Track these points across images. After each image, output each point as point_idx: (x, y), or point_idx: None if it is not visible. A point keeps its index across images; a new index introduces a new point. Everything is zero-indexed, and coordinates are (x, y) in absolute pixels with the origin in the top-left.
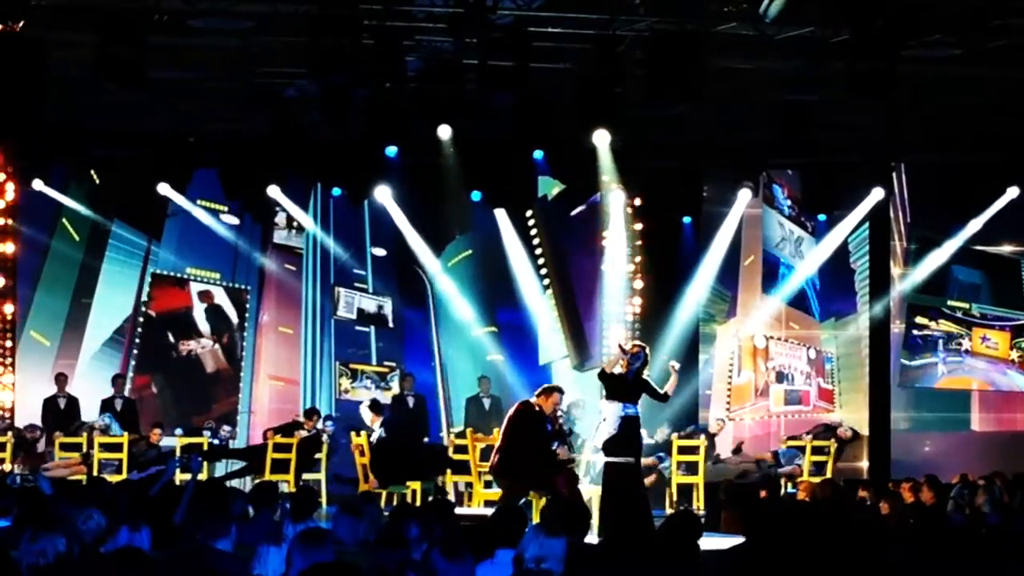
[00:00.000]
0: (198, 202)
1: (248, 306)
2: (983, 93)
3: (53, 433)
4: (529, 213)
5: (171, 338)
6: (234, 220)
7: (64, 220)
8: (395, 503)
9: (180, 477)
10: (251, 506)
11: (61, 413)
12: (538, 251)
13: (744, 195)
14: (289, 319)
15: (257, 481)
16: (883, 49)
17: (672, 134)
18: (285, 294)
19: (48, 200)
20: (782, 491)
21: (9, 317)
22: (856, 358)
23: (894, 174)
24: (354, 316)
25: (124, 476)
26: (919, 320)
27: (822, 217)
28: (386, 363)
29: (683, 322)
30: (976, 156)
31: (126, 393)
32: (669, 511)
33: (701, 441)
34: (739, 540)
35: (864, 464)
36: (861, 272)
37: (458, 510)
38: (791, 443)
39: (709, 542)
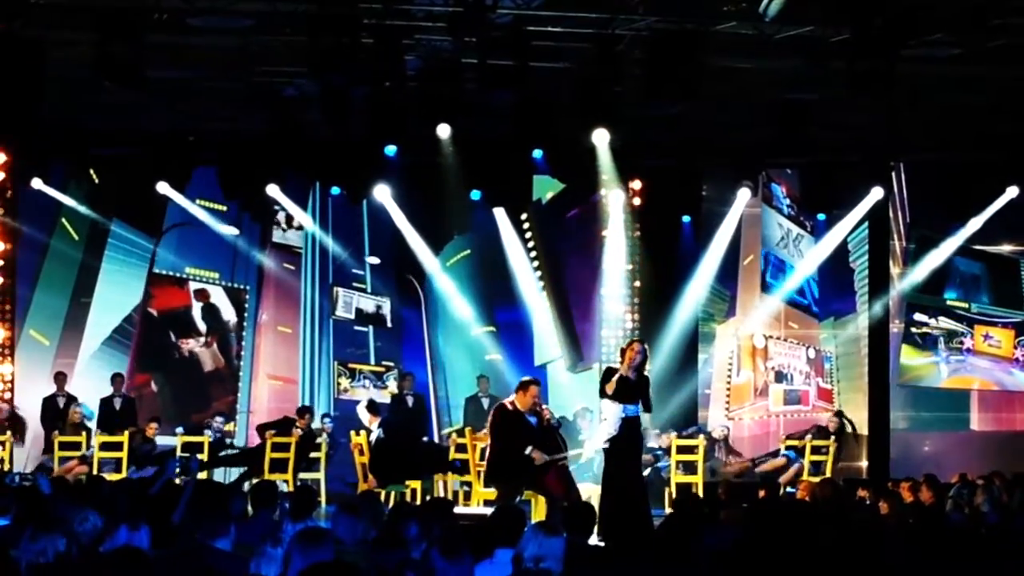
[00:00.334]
0: (197, 202)
1: (247, 305)
2: (982, 92)
3: (52, 432)
4: (524, 216)
5: (172, 337)
6: (233, 231)
7: (63, 219)
8: (392, 503)
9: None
10: (250, 505)
11: (60, 412)
12: (533, 253)
13: (743, 194)
14: (288, 318)
15: (256, 480)
16: (883, 48)
17: (671, 133)
18: (284, 293)
19: (47, 199)
20: (781, 491)
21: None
22: (855, 357)
23: (893, 173)
24: (352, 316)
25: (123, 474)
26: (918, 317)
27: (821, 216)
28: (384, 363)
29: (682, 321)
30: (975, 155)
31: (125, 391)
32: (668, 511)
33: (700, 441)
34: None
35: (863, 464)
36: (860, 271)
37: (457, 509)
38: (790, 442)
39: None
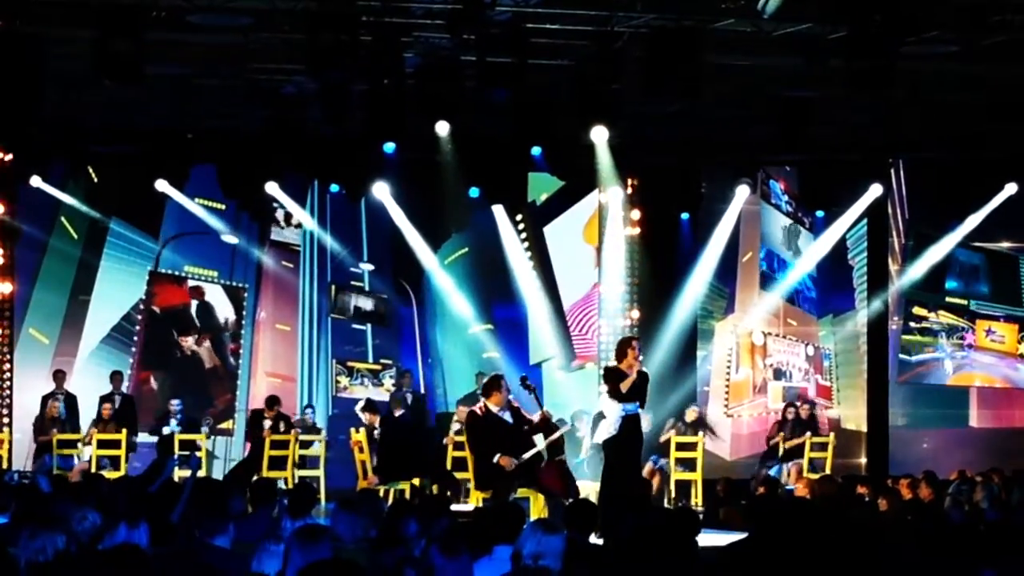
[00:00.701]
0: (196, 200)
1: (245, 303)
2: (981, 90)
3: (51, 431)
4: (519, 217)
5: (174, 335)
6: (232, 240)
7: (62, 217)
8: (390, 500)
9: (179, 474)
10: (249, 503)
11: (61, 420)
12: (528, 254)
13: (742, 191)
14: (286, 316)
15: (256, 478)
16: (881, 46)
17: (670, 131)
18: (282, 291)
19: (46, 197)
20: (780, 488)
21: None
22: (854, 354)
23: (892, 170)
24: (351, 314)
25: (122, 472)
26: (917, 311)
27: (820, 213)
28: (382, 360)
29: (681, 318)
30: (974, 153)
31: (124, 390)
32: (668, 507)
33: (699, 438)
34: (737, 536)
35: (862, 461)
36: (859, 268)
37: (456, 507)
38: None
39: (707, 538)
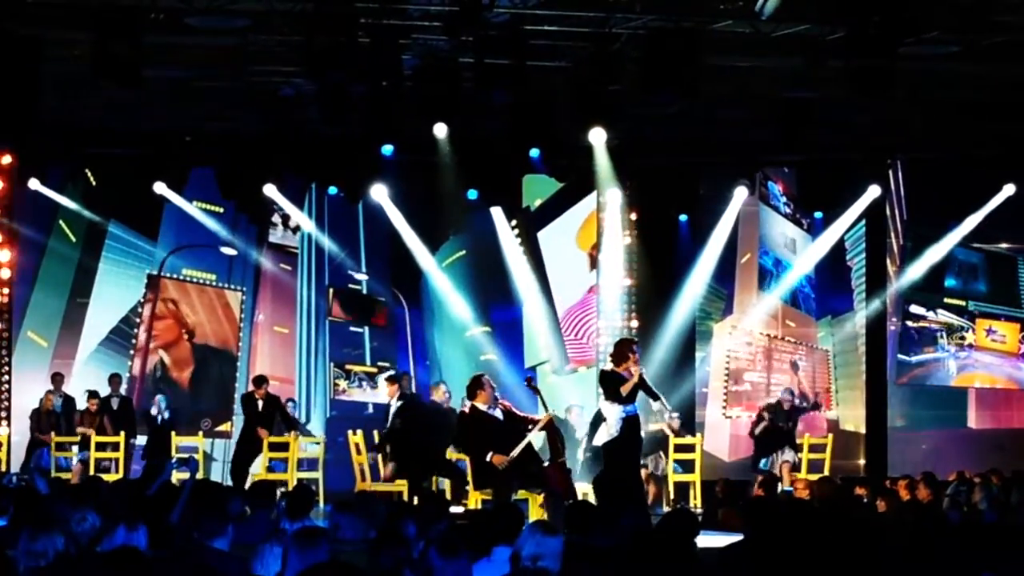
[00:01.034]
0: (194, 203)
1: (244, 306)
2: (980, 90)
3: (48, 433)
4: (514, 223)
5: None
6: (231, 252)
7: (61, 220)
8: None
9: (177, 476)
10: (248, 505)
11: (57, 413)
12: (523, 259)
13: (740, 193)
14: (284, 318)
15: (254, 480)
16: (880, 46)
17: (668, 132)
18: (280, 294)
19: (45, 200)
20: (778, 489)
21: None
22: (853, 356)
23: (890, 171)
24: (349, 316)
25: (121, 475)
26: (915, 311)
27: (818, 215)
28: (380, 363)
29: (680, 320)
30: (973, 153)
31: (122, 392)
32: (666, 509)
33: (698, 439)
34: (736, 538)
35: (861, 462)
36: (857, 270)
37: (455, 508)
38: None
39: (706, 540)
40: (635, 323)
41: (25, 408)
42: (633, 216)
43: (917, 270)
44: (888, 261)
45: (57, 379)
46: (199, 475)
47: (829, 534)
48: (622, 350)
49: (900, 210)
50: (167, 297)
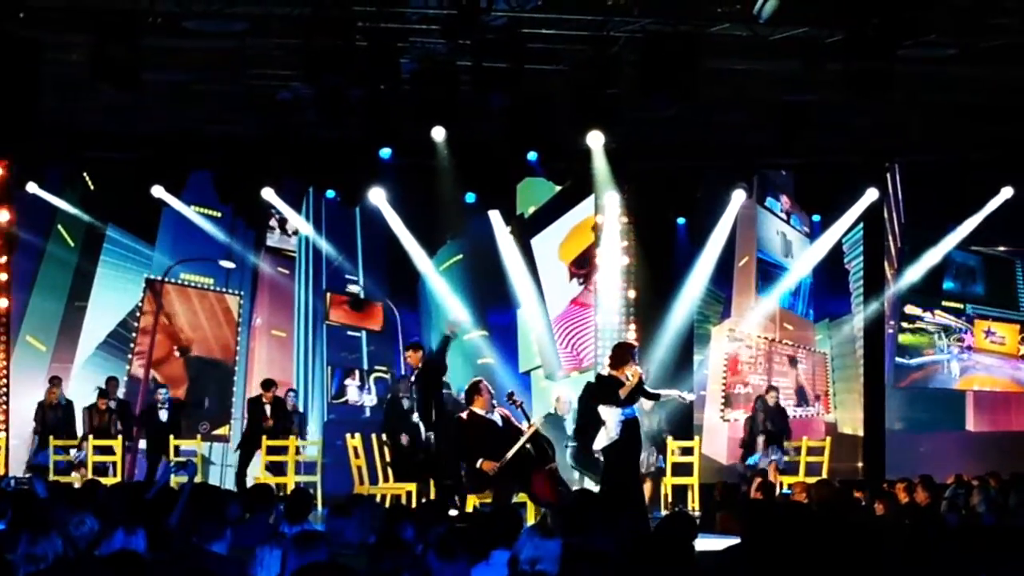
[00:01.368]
0: (192, 207)
1: (242, 309)
2: (978, 93)
3: (47, 437)
4: (509, 230)
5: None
6: (230, 265)
7: (59, 224)
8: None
9: (175, 480)
10: (246, 509)
11: (62, 407)
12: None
13: (738, 196)
14: (282, 322)
15: (253, 484)
16: (878, 49)
17: (666, 135)
18: (278, 297)
19: (43, 203)
20: (777, 492)
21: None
22: (851, 359)
23: (888, 174)
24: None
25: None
26: (911, 311)
27: (816, 218)
28: (377, 367)
29: (678, 323)
30: (971, 156)
31: (120, 395)
32: (664, 512)
33: (696, 442)
34: (734, 541)
35: (859, 465)
36: (855, 273)
37: (452, 511)
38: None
39: (704, 543)
40: (633, 326)
41: (23, 412)
42: (631, 219)
43: (915, 273)
44: (886, 264)
45: (55, 382)
46: (197, 479)
47: (827, 537)
48: (622, 354)
49: (898, 213)
50: (165, 311)
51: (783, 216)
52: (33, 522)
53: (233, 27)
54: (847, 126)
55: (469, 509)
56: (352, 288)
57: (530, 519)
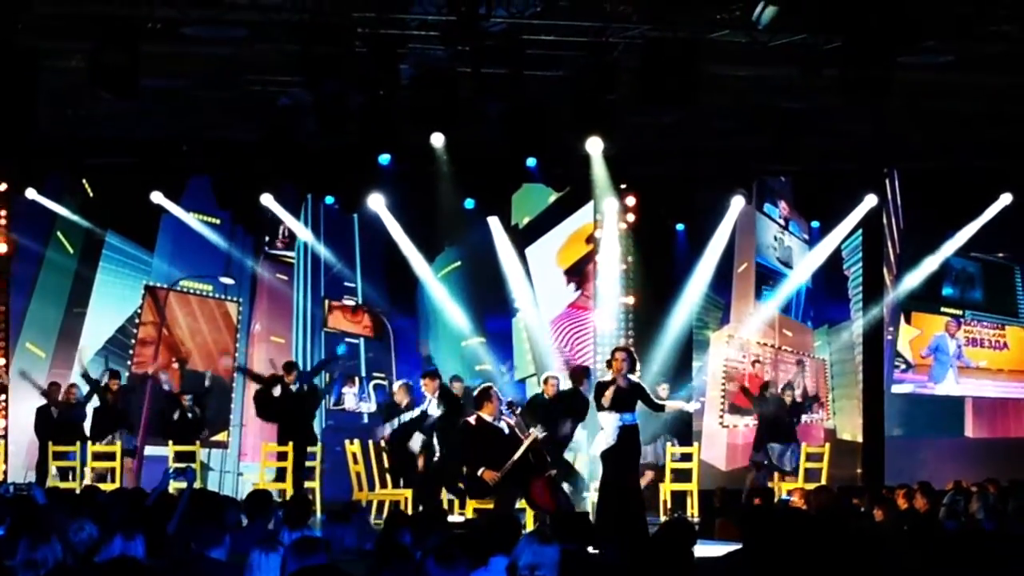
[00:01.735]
0: (191, 214)
1: (240, 316)
2: (976, 99)
3: (46, 443)
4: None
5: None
6: (229, 281)
7: (58, 230)
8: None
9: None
10: (245, 515)
11: (54, 423)
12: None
13: (737, 202)
14: (281, 329)
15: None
16: (876, 56)
17: (665, 141)
18: (277, 304)
19: (42, 210)
20: (776, 498)
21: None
22: (850, 365)
23: (887, 181)
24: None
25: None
26: (914, 322)
27: (815, 224)
28: (375, 374)
29: (677, 329)
30: (969, 162)
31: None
32: (663, 518)
33: (695, 449)
34: (733, 547)
35: (858, 471)
36: (854, 279)
37: (451, 518)
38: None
39: (703, 549)
40: (631, 332)
41: (22, 418)
42: (630, 225)
43: (914, 279)
44: (885, 270)
45: (53, 388)
46: (196, 485)
47: (826, 543)
48: (608, 360)
49: (897, 219)
50: (167, 322)
51: (782, 222)
52: (32, 528)
53: (232, 33)
54: (846, 132)
55: (470, 514)
56: (348, 300)
57: (529, 525)
